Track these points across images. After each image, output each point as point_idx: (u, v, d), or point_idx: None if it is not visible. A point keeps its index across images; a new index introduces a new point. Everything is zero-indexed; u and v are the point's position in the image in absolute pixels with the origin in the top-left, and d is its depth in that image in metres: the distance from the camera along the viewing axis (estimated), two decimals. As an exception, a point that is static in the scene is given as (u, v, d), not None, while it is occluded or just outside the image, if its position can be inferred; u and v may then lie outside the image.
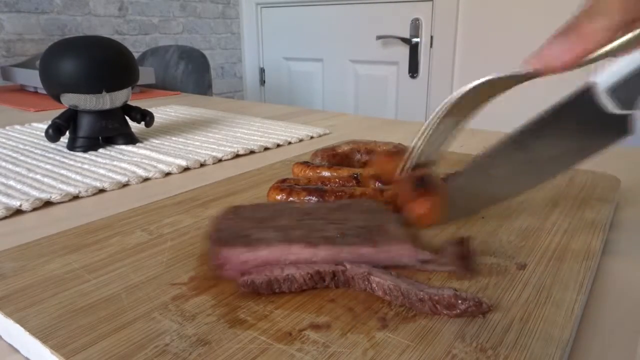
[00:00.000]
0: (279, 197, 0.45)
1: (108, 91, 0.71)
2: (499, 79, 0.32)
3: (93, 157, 0.69)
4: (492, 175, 0.35)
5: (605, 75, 0.30)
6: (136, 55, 1.53)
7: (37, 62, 0.75)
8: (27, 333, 0.28)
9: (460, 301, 0.29)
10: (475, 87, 0.32)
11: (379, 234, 0.35)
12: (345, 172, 0.49)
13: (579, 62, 0.29)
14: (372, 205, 0.40)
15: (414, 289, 0.30)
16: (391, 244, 0.34)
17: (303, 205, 0.41)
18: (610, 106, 0.30)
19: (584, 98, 0.30)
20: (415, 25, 2.04)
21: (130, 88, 0.75)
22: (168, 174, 0.63)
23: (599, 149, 0.32)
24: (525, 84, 0.32)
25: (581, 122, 0.32)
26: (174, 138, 0.81)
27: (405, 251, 0.34)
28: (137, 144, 0.76)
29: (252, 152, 0.74)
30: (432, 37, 2.01)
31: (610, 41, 0.28)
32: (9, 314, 0.30)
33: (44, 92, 1.03)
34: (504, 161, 0.34)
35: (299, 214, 0.38)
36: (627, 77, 0.29)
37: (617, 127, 0.31)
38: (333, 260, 0.33)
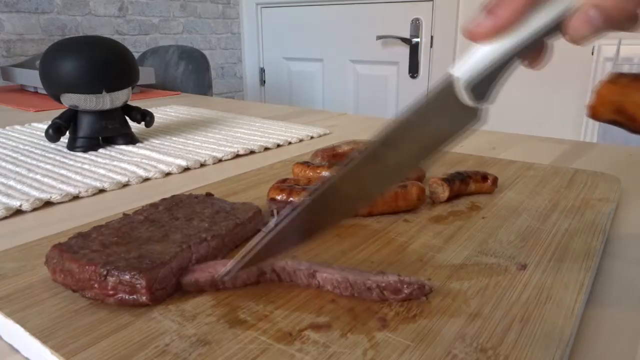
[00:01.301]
0: (279, 197, 0.45)
1: (108, 91, 0.71)
2: None
3: (93, 157, 0.69)
4: (356, 179, 0.32)
5: (465, 68, 0.29)
6: (136, 55, 1.53)
7: (37, 62, 0.75)
8: (27, 333, 0.28)
9: (405, 286, 0.30)
10: None
11: (236, 212, 0.41)
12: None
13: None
14: (191, 197, 0.44)
15: (362, 278, 0.31)
16: (248, 215, 0.40)
17: (133, 219, 0.39)
18: (469, 100, 0.29)
19: (444, 94, 0.30)
20: (415, 25, 2.04)
21: (130, 88, 0.75)
22: (168, 174, 0.63)
23: (451, 139, 0.31)
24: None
25: (440, 118, 0.31)
26: (174, 138, 0.81)
27: (258, 218, 0.41)
28: (137, 144, 0.76)
29: (252, 152, 0.74)
30: (432, 37, 2.01)
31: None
32: (9, 314, 0.30)
33: (44, 92, 1.03)
34: (358, 174, 0.32)
35: (147, 225, 0.37)
36: (483, 70, 0.28)
37: (470, 117, 0.30)
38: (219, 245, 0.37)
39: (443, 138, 0.31)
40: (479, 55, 0.29)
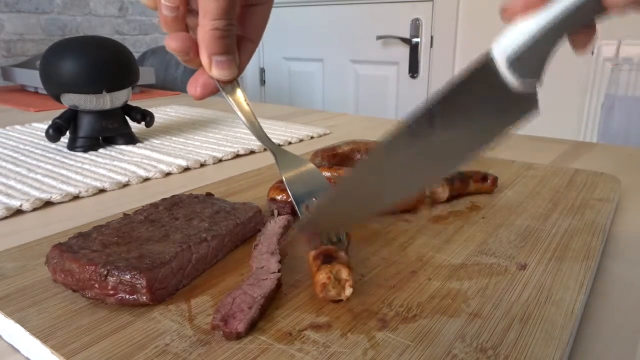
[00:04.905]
0: (279, 197, 0.45)
1: (108, 91, 0.71)
2: None
3: (93, 157, 0.69)
4: (385, 173, 0.29)
5: (505, 42, 0.25)
6: (136, 55, 1.53)
7: (38, 62, 0.75)
8: (27, 333, 0.28)
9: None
10: None
11: (236, 212, 0.41)
12: (345, 172, 0.49)
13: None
14: (191, 197, 0.44)
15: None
16: (248, 215, 0.41)
17: (133, 219, 0.38)
18: (512, 79, 0.26)
19: (483, 71, 0.26)
20: (415, 25, 2.04)
21: (130, 88, 0.75)
22: (168, 174, 0.63)
23: (504, 130, 0.28)
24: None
25: (483, 99, 0.27)
26: (174, 138, 0.81)
27: (258, 218, 0.42)
28: (137, 144, 0.76)
29: (252, 152, 0.74)
30: (432, 37, 2.01)
31: None
32: (9, 314, 0.30)
33: (44, 92, 1.03)
34: (397, 155, 0.29)
35: (147, 225, 0.37)
36: (529, 42, 0.25)
37: (523, 103, 0.27)
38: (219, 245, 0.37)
39: (493, 125, 0.28)
40: (519, 29, 0.25)
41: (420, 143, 0.28)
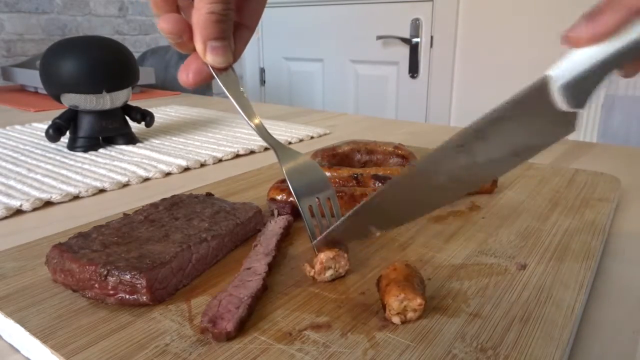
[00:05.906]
0: (279, 197, 0.45)
1: (108, 91, 0.71)
2: None
3: (93, 157, 0.69)
4: (429, 183, 0.32)
5: (562, 70, 0.27)
6: (136, 55, 1.53)
7: (38, 62, 0.75)
8: (27, 333, 0.28)
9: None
10: None
11: (236, 212, 0.41)
12: (345, 172, 0.49)
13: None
14: (191, 197, 0.44)
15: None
16: (248, 215, 0.41)
17: (133, 219, 0.38)
18: (563, 104, 0.27)
19: (537, 94, 0.28)
20: (415, 25, 2.04)
21: (130, 88, 0.75)
22: (168, 174, 0.63)
23: (542, 147, 0.30)
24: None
25: (532, 119, 0.29)
26: (174, 138, 0.81)
27: (258, 218, 0.42)
28: (137, 144, 0.76)
29: (252, 152, 0.74)
30: (432, 37, 2.01)
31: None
32: (9, 314, 0.30)
33: (44, 92, 1.03)
34: (445, 166, 0.31)
35: (147, 225, 0.37)
36: (584, 73, 0.27)
37: (564, 124, 0.29)
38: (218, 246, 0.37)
39: (533, 142, 0.30)
40: (577, 58, 0.27)
41: (464, 155, 0.29)
